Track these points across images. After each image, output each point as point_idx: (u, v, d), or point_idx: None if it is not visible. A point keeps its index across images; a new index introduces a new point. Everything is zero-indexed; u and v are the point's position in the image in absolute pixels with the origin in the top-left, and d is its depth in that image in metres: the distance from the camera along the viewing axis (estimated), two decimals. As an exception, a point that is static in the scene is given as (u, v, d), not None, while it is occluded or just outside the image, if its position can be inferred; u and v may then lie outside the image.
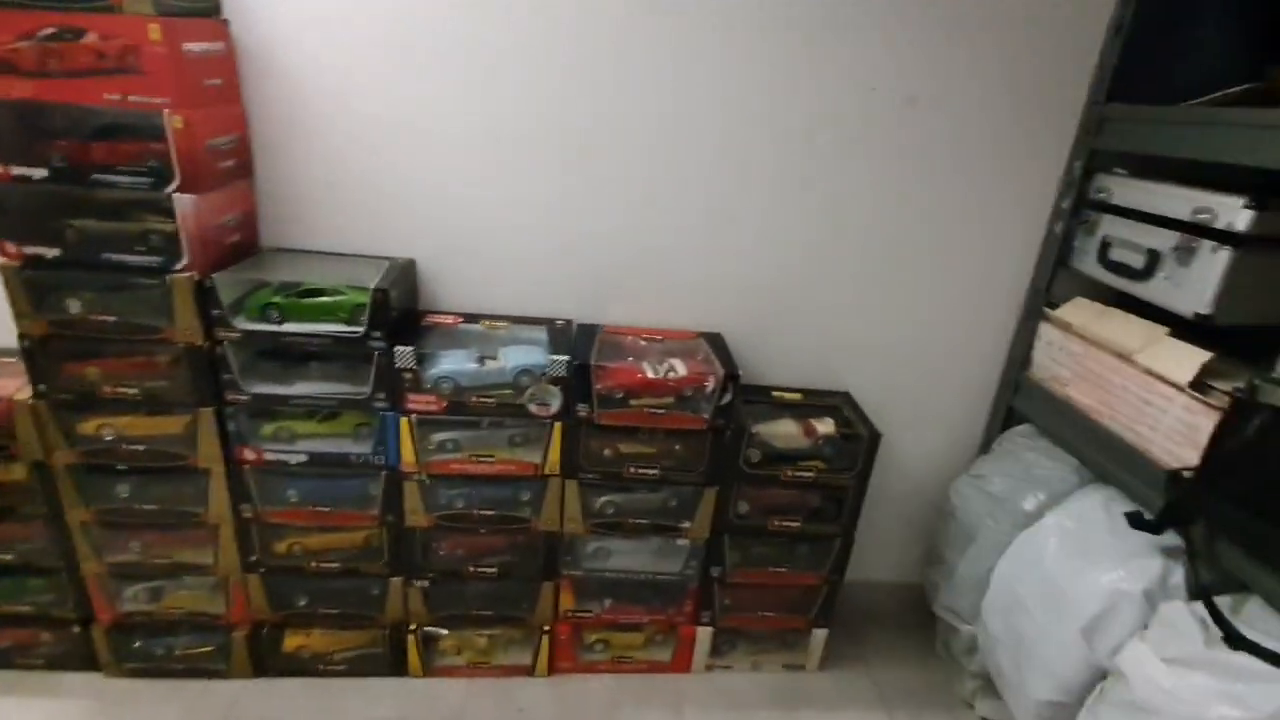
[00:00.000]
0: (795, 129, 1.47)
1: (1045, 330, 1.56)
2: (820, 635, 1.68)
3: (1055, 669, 1.30)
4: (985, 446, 1.73)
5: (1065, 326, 1.49)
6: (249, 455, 1.38)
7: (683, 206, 1.51)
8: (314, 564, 1.50)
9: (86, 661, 1.52)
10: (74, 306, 1.26)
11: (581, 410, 1.40)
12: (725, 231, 1.54)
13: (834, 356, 1.67)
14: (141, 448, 1.36)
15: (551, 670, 1.64)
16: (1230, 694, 1.01)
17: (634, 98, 1.42)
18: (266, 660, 1.56)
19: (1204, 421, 1.15)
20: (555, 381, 1.37)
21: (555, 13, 1.36)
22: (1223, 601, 1.10)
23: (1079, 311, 1.49)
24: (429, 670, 1.61)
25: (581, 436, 1.43)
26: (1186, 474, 1.16)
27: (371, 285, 1.30)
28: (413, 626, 1.56)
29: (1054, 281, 1.57)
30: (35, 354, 1.28)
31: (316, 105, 1.38)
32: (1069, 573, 1.32)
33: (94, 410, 1.34)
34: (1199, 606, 1.09)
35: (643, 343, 1.54)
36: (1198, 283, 1.20)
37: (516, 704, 1.56)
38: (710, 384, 1.40)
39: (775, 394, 1.63)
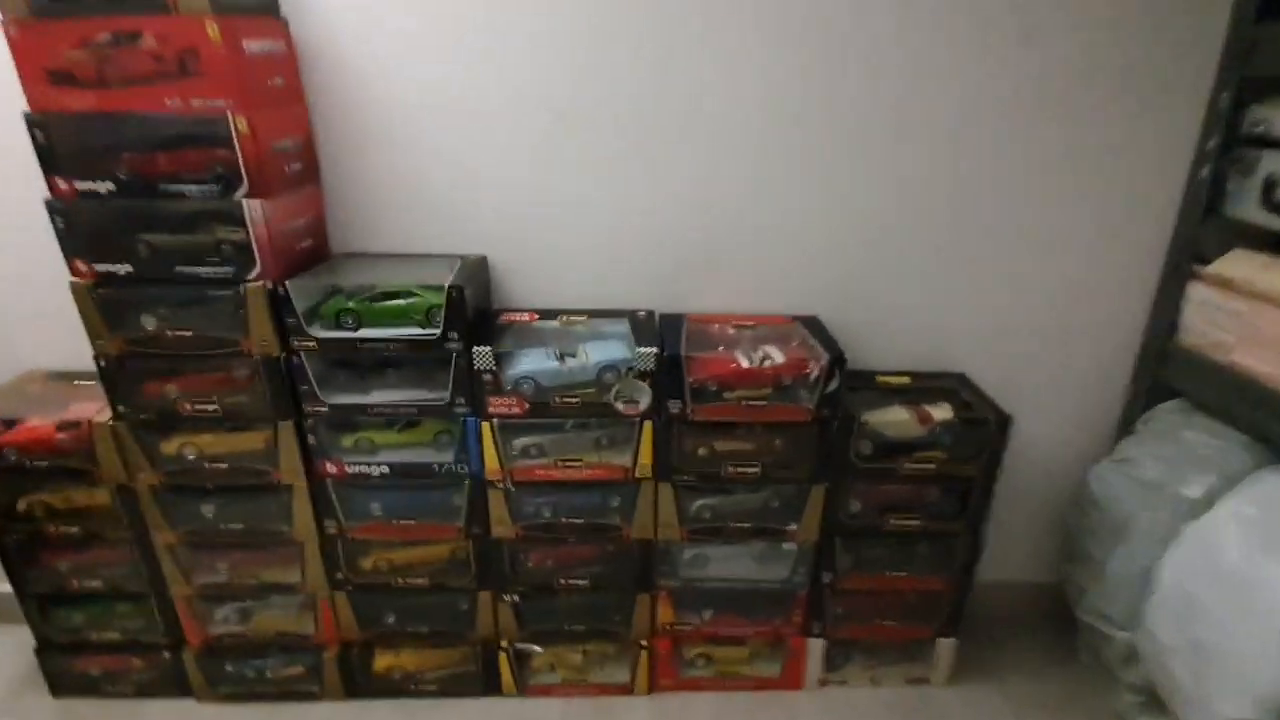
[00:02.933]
0: (894, 80, 1.32)
1: (1196, 289, 1.36)
2: (947, 645, 1.52)
3: (1250, 682, 1.10)
4: (1126, 427, 1.53)
5: (1224, 283, 1.29)
6: (330, 469, 1.33)
7: (767, 177, 1.39)
8: (400, 580, 1.43)
9: (178, 687, 1.49)
10: (149, 323, 1.23)
11: (673, 406, 1.28)
12: (816, 202, 1.41)
13: (945, 334, 1.50)
14: (224, 465, 1.32)
15: (652, 688, 1.53)
16: None
17: (709, 67, 1.31)
18: (358, 681, 1.50)
19: None
20: (643, 376, 1.26)
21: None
22: None
23: (1240, 265, 1.29)
24: (524, 689, 1.52)
25: (674, 435, 1.31)
26: None
27: (445, 284, 1.22)
28: (504, 643, 1.48)
29: (1202, 233, 1.36)
30: (113, 374, 1.26)
31: (379, 103, 1.32)
32: (1259, 568, 1.12)
33: (175, 429, 1.31)
34: None
35: (732, 331, 1.41)
36: None
37: (617, 726, 1.46)
38: (813, 370, 1.27)
39: (880, 379, 1.47)
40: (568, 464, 1.34)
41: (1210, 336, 1.33)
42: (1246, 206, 1.27)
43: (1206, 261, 1.35)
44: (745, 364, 1.30)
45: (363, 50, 1.29)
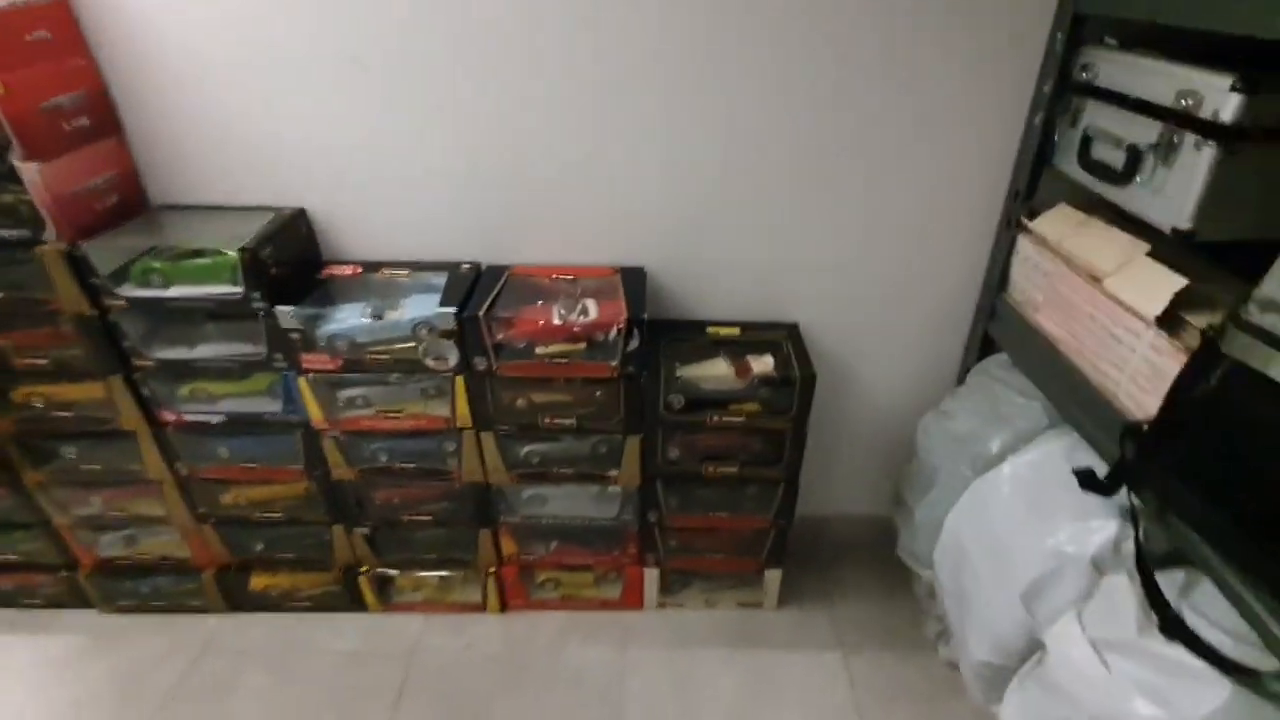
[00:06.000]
0: (726, 25, 1.23)
1: (1023, 244, 1.32)
2: (774, 575, 1.61)
3: (995, 631, 1.18)
4: (962, 379, 1.53)
5: (1040, 240, 1.25)
6: (169, 417, 1.40)
7: (595, 127, 1.33)
8: (260, 514, 1.54)
9: (82, 599, 1.66)
10: (-31, 281, 1.26)
11: (479, 363, 1.31)
12: (645, 150, 1.35)
13: (781, 284, 1.49)
14: (70, 414, 1.40)
15: (505, 607, 1.67)
16: (1154, 689, 0.87)
17: (530, 10, 1.22)
18: (238, 597, 1.65)
19: (1171, 365, 0.94)
20: (446, 335, 1.29)
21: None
22: (1174, 579, 0.94)
23: (1058, 222, 1.24)
24: (388, 605, 1.67)
25: (488, 388, 1.35)
26: (1145, 428, 0.97)
27: (243, 244, 1.23)
28: (364, 569, 1.61)
29: (1037, 185, 1.30)
30: (-51, 330, 1.31)
31: (181, 49, 1.27)
32: (1017, 528, 1.17)
33: (19, 379, 1.37)
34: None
35: (557, 283, 1.41)
36: (1178, 189, 0.94)
37: (466, 639, 1.60)
38: (611, 330, 1.28)
39: (710, 330, 1.48)
40: (390, 414, 1.39)
41: (1027, 294, 1.31)
42: (1069, 160, 1.20)
43: (1035, 214, 1.30)
44: (555, 320, 1.31)
45: (150, -9, 1.22)
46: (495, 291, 1.35)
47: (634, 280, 1.40)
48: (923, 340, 1.55)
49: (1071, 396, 1.16)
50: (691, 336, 1.46)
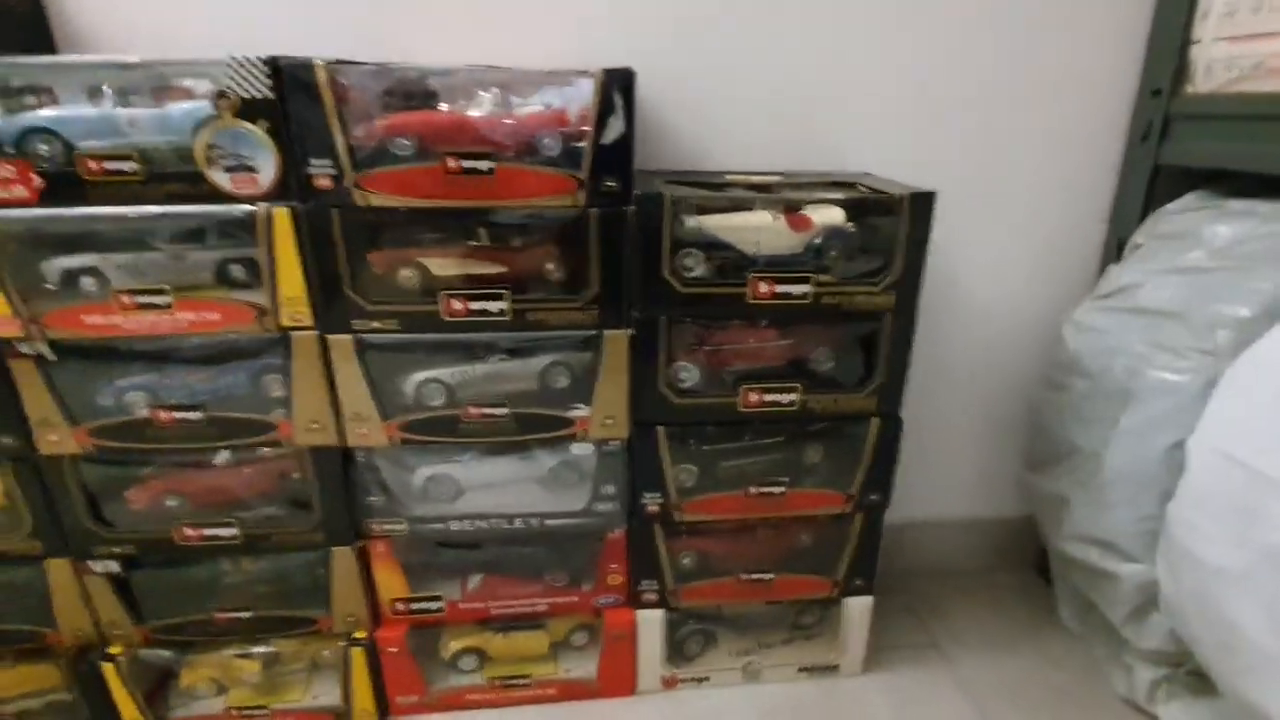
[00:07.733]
0: None
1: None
2: (860, 608, 0.95)
3: None
4: (1115, 253, 1.00)
5: (1270, -45, 0.78)
6: None
7: None
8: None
9: None
10: None
11: (318, 173, 0.69)
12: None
13: (840, 118, 0.96)
14: None
15: (388, 711, 0.92)
16: None
17: None
18: None
19: None
20: (253, 114, 0.67)
21: None
22: None
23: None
24: (162, 725, 0.89)
25: (339, 232, 0.72)
26: None
27: None
28: (113, 650, 0.85)
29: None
30: None
31: None
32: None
33: None
34: None
35: (484, 75, 0.84)
36: None
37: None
38: (575, 105, 0.70)
39: (732, 177, 0.91)
40: (153, 304, 0.73)
41: (1245, 57, 0.81)
42: None
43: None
44: (475, 110, 0.73)
45: None
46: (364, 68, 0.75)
47: (615, 78, 0.83)
48: (1044, 213, 1.02)
49: None
50: (705, 185, 0.89)
